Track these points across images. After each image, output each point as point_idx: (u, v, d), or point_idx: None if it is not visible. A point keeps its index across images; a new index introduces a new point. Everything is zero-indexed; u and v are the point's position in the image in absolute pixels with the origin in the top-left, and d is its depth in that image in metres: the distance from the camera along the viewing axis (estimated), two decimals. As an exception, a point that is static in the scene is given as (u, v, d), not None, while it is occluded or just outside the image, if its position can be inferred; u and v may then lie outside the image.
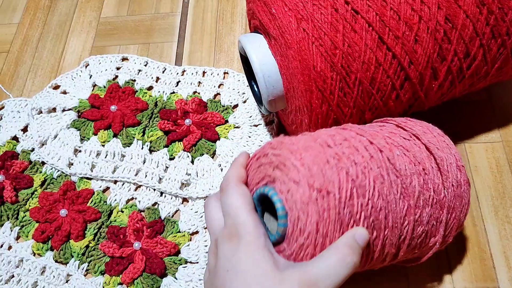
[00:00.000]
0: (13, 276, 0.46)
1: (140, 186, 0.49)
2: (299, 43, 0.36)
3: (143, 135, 0.52)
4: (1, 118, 0.56)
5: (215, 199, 0.34)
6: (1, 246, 0.47)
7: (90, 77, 0.58)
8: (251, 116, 0.52)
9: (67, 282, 0.45)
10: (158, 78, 0.57)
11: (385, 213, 0.33)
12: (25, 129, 0.55)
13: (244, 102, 0.54)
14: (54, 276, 0.45)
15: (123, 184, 0.50)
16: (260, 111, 0.48)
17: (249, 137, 0.51)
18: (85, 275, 0.45)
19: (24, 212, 0.49)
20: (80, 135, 0.53)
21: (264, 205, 0.34)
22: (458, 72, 0.40)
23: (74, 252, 0.46)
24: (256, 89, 0.48)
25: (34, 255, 0.47)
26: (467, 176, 0.37)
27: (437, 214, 0.34)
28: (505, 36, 0.39)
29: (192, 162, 0.50)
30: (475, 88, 0.43)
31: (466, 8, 0.37)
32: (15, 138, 0.54)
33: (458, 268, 0.42)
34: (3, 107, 0.57)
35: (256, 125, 0.52)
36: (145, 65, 0.58)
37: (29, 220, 0.49)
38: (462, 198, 0.35)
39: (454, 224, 0.36)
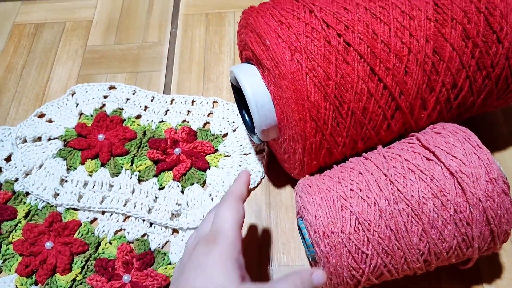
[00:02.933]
0: (-6, 313, 0.44)
1: (129, 216, 0.49)
2: (293, 74, 0.37)
3: (131, 165, 0.51)
4: (-17, 148, 0.54)
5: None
6: (-18, 281, 0.45)
7: (77, 106, 0.57)
8: (241, 145, 0.52)
9: (52, 318, 0.43)
10: (146, 107, 0.56)
11: (395, 239, 0.36)
12: (8, 159, 0.53)
13: (234, 131, 0.54)
14: (38, 313, 0.43)
15: (111, 215, 0.49)
16: (252, 140, 0.49)
17: (240, 165, 0.51)
18: (71, 311, 0.44)
19: (6, 245, 0.47)
20: (67, 165, 0.52)
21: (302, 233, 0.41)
22: (446, 102, 0.41)
23: (60, 286, 0.44)
24: (247, 118, 0.48)
25: (17, 290, 0.45)
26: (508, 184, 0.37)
27: (464, 229, 0.37)
28: (489, 68, 0.40)
29: (182, 192, 0.50)
30: (461, 118, 0.44)
31: (452, 41, 0.39)
32: (-2, 168, 0.53)
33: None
34: (-15, 136, 0.55)
35: (246, 154, 0.52)
36: (133, 94, 0.57)
37: (12, 253, 0.47)
38: (499, 209, 0.37)
39: (499, 233, 0.37)
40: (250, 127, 0.48)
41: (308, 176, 0.41)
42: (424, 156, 0.38)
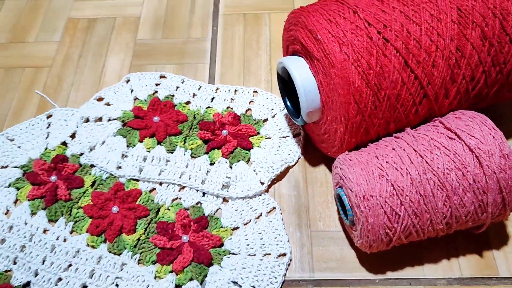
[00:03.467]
0: (70, 265, 0.50)
1: (184, 187, 0.55)
2: (341, 63, 0.44)
3: (184, 143, 0.58)
4: (49, 126, 0.61)
5: None
6: (57, 239, 0.52)
7: (132, 92, 0.64)
8: (280, 129, 0.60)
9: (121, 270, 0.50)
10: (194, 94, 0.63)
11: (424, 203, 0.43)
12: (73, 136, 0.60)
13: (273, 117, 0.61)
14: (110, 265, 0.50)
15: (168, 185, 0.56)
16: (289, 125, 0.56)
17: (279, 146, 0.58)
18: (137, 264, 0.50)
19: (77, 209, 0.54)
20: (127, 142, 0.59)
21: (341, 200, 0.48)
22: (465, 92, 0.49)
23: (127, 244, 0.51)
24: (289, 104, 0.56)
25: (88, 247, 0.52)
26: None
27: (481, 197, 0.44)
28: (502, 64, 0.48)
29: (230, 167, 0.57)
30: (476, 108, 0.52)
31: (472, 41, 0.47)
32: (64, 144, 0.59)
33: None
34: (51, 116, 0.62)
35: (284, 137, 0.59)
36: (182, 83, 0.65)
37: (82, 216, 0.54)
38: (510, 180, 0.44)
39: (509, 201, 0.45)
40: (292, 111, 0.55)
41: (347, 152, 0.49)
42: (447, 136, 0.46)
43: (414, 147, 0.45)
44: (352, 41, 0.45)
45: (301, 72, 0.49)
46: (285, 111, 0.61)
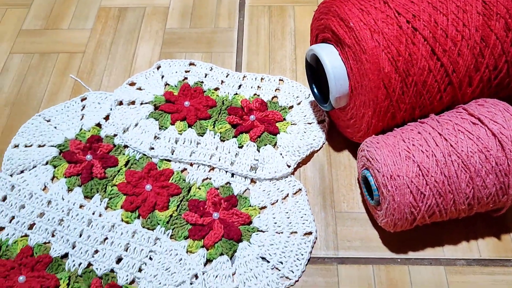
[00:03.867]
0: (106, 238, 0.53)
1: (213, 168, 0.58)
2: (372, 50, 0.47)
3: (213, 127, 0.61)
4: (84, 108, 0.64)
5: None
6: (93, 213, 0.55)
7: (162, 77, 0.67)
8: (305, 116, 0.62)
9: (155, 244, 0.52)
10: (222, 81, 0.66)
11: (448, 183, 0.46)
12: (106, 118, 0.63)
13: (298, 104, 0.63)
14: (144, 239, 0.52)
15: (198, 166, 0.58)
16: (322, 108, 0.57)
17: (305, 132, 0.61)
18: (170, 239, 0.53)
19: (111, 187, 0.57)
20: (159, 124, 0.61)
21: (366, 181, 0.51)
22: (487, 81, 0.51)
23: (160, 220, 0.54)
24: (316, 91, 0.58)
25: (123, 222, 0.54)
26: None
27: (502, 179, 0.46)
28: (524, 55, 0.50)
29: (258, 150, 0.59)
30: (497, 97, 0.54)
31: (496, 31, 0.49)
32: (98, 125, 0.62)
33: None
34: (85, 99, 0.65)
35: (310, 123, 0.62)
36: (211, 70, 0.67)
37: (116, 193, 0.56)
38: None
39: None
40: (319, 98, 0.57)
41: (374, 135, 0.51)
42: (471, 122, 0.48)
43: (439, 131, 0.48)
44: (383, 29, 0.47)
45: (331, 58, 0.51)
46: (310, 98, 0.63)
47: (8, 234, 0.53)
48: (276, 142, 0.60)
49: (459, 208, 0.47)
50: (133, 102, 0.64)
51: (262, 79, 0.66)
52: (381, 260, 0.51)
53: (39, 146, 0.61)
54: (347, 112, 0.54)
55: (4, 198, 0.56)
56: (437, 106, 0.51)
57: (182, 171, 0.58)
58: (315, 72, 0.57)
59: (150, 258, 0.51)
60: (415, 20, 0.48)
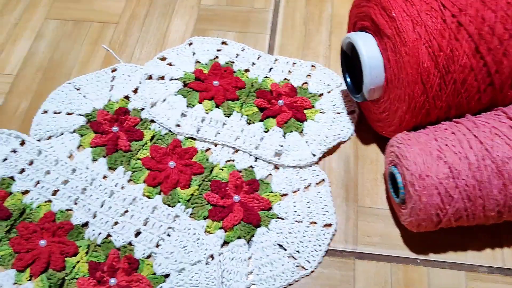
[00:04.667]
0: (127, 211, 0.53)
1: (237, 150, 0.57)
2: (413, 43, 0.45)
3: (241, 109, 0.60)
4: (114, 79, 0.64)
5: None
6: (116, 185, 0.55)
7: (194, 54, 0.66)
8: (335, 105, 0.61)
9: (174, 221, 0.52)
10: (253, 63, 0.65)
11: (479, 188, 0.44)
12: (135, 91, 0.63)
13: (329, 92, 0.62)
14: (164, 215, 0.52)
15: (222, 147, 0.58)
16: (354, 99, 0.56)
17: (333, 122, 0.59)
18: (189, 218, 0.53)
19: (135, 160, 0.57)
20: (187, 102, 0.61)
21: (392, 178, 0.50)
22: (532, 85, 0.48)
23: (181, 198, 0.54)
24: (349, 80, 0.56)
25: (144, 196, 0.54)
26: None
27: None
28: None
29: (284, 136, 0.58)
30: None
31: (547, 33, 0.46)
32: (126, 97, 0.62)
33: None
34: (115, 70, 0.65)
35: (339, 113, 0.60)
36: (242, 50, 0.66)
37: (140, 167, 0.56)
38: None
39: None
40: (351, 88, 0.56)
41: (406, 132, 0.49)
42: (510, 126, 0.46)
43: (475, 133, 0.46)
44: (426, 22, 0.45)
45: (368, 48, 0.49)
46: (342, 87, 0.62)
47: (32, 198, 0.54)
48: (302, 129, 0.59)
49: (488, 215, 0.46)
50: (162, 77, 0.63)
51: (294, 63, 0.65)
52: (400, 259, 0.50)
53: (68, 114, 0.61)
54: (380, 105, 0.53)
55: (31, 162, 0.57)
56: (475, 106, 0.49)
57: (206, 150, 0.58)
58: (350, 61, 0.56)
59: (168, 235, 0.51)
60: (461, 15, 0.46)
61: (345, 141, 0.58)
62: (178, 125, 0.59)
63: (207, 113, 0.60)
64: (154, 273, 0.49)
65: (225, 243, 0.51)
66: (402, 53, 0.45)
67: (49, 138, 0.59)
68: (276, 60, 0.65)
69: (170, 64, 0.65)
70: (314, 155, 0.56)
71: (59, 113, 0.61)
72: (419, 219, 0.46)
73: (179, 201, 0.54)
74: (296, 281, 0.49)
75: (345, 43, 0.54)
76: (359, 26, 0.53)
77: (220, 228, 0.52)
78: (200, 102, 0.61)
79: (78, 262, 0.50)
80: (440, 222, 0.46)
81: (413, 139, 0.47)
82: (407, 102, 0.47)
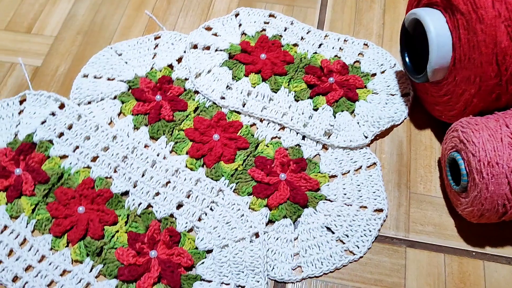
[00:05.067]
0: (169, 182, 0.51)
1: (284, 127, 0.55)
2: (491, 20, 0.41)
3: (288, 85, 0.58)
4: (157, 47, 0.61)
5: None
6: (158, 155, 0.53)
7: (240, 26, 0.63)
8: (388, 86, 0.58)
9: (217, 195, 0.50)
10: (302, 38, 0.62)
11: None
12: (179, 60, 0.60)
13: (382, 72, 0.59)
14: (207, 188, 0.50)
15: (268, 123, 0.55)
16: (414, 80, 0.52)
17: (386, 103, 0.56)
18: (233, 193, 0.51)
19: (178, 131, 0.55)
20: (232, 74, 0.58)
21: (453, 165, 0.47)
22: None
23: (225, 172, 0.52)
24: (407, 60, 0.53)
25: (187, 168, 0.52)
26: None
27: None
28: None
29: (334, 115, 0.55)
30: None
31: None
32: (170, 66, 0.60)
33: None
34: (159, 37, 0.62)
35: (392, 94, 0.57)
36: (291, 24, 0.63)
37: (183, 138, 0.54)
38: None
39: None
40: (410, 68, 0.53)
41: (472, 116, 0.46)
42: None
43: (550, 122, 0.43)
44: (506, -2, 0.42)
45: (436, 24, 0.46)
46: (396, 68, 0.59)
47: (71, 163, 0.53)
48: (354, 110, 0.56)
49: None
50: (208, 48, 0.61)
51: (345, 40, 0.62)
52: (454, 251, 0.48)
53: (108, 79, 0.59)
54: (441, 87, 0.50)
55: (70, 127, 0.55)
56: (549, 94, 0.46)
57: (251, 125, 0.55)
58: (410, 40, 0.52)
59: (211, 209, 0.49)
60: (545, -8, 0.42)
61: (398, 125, 0.55)
62: (223, 98, 0.57)
63: (254, 87, 0.57)
64: (196, 248, 0.47)
65: (270, 221, 0.49)
66: (478, 31, 0.42)
67: (89, 103, 0.57)
68: (326, 35, 0.62)
69: (215, 35, 0.62)
70: (366, 137, 0.53)
71: (99, 78, 0.59)
72: (482, 209, 0.43)
73: (223, 175, 0.51)
74: (344, 265, 0.47)
75: (409, 19, 0.50)
76: (426, 1, 0.50)
77: (265, 206, 0.50)
78: (246, 75, 0.58)
79: (117, 231, 0.49)
80: (505, 213, 0.43)
81: (481, 124, 0.44)
82: (477, 84, 0.44)
